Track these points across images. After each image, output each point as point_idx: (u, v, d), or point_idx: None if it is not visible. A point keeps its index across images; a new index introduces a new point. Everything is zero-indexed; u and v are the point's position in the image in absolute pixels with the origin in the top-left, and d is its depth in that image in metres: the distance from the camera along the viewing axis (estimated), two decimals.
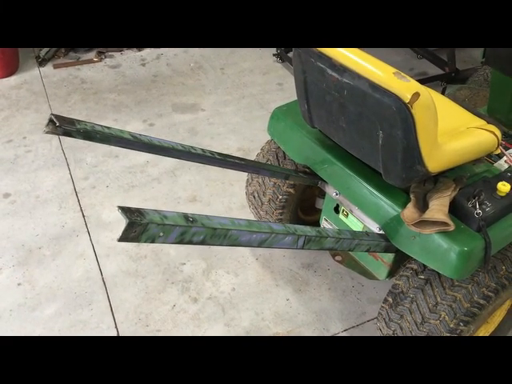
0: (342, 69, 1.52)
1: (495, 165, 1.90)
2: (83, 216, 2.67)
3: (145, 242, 1.04)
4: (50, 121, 1.35)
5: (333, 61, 1.55)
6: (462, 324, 1.63)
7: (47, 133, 1.35)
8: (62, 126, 1.36)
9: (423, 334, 1.68)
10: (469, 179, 1.77)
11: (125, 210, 1.00)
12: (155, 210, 1.07)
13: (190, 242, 1.12)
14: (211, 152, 1.74)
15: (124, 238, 1.00)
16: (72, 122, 1.40)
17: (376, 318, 1.92)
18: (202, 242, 1.15)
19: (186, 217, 1.11)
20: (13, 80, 3.72)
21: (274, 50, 4.14)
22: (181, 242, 1.10)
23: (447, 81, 3.65)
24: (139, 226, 1.01)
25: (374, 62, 1.48)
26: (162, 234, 1.06)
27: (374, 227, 1.82)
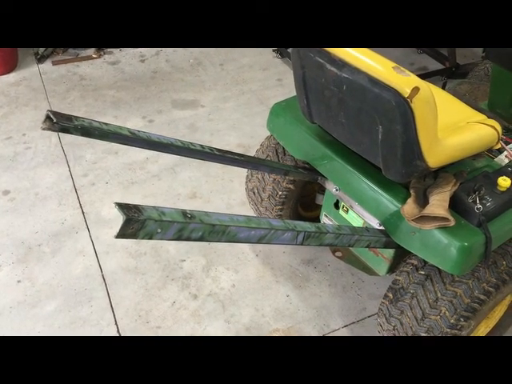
0: (341, 63, 1.51)
1: (496, 159, 1.89)
2: (83, 213, 2.66)
3: (142, 238, 1.03)
4: (47, 117, 1.34)
5: (332, 55, 1.53)
6: (462, 319, 1.63)
7: (44, 129, 1.34)
8: (59, 123, 1.34)
9: (423, 330, 1.68)
10: (469, 174, 1.77)
11: (122, 207, 0.99)
12: (153, 207, 1.06)
13: (189, 239, 1.12)
14: (210, 148, 1.73)
15: (121, 234, 0.99)
16: (69, 118, 1.39)
17: (376, 313, 1.92)
18: (201, 239, 1.14)
19: (184, 213, 1.10)
20: (12, 77, 3.71)
21: None
22: (179, 238, 1.10)
23: (448, 75, 3.64)
24: (137, 223, 1.00)
25: (373, 56, 1.47)
26: (159, 231, 1.05)
27: (374, 223, 1.81)
